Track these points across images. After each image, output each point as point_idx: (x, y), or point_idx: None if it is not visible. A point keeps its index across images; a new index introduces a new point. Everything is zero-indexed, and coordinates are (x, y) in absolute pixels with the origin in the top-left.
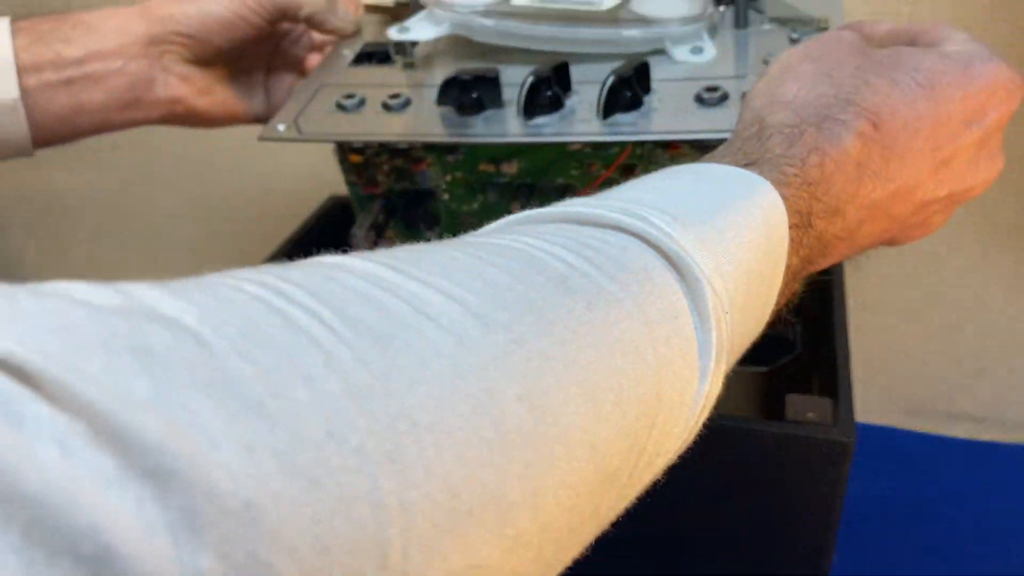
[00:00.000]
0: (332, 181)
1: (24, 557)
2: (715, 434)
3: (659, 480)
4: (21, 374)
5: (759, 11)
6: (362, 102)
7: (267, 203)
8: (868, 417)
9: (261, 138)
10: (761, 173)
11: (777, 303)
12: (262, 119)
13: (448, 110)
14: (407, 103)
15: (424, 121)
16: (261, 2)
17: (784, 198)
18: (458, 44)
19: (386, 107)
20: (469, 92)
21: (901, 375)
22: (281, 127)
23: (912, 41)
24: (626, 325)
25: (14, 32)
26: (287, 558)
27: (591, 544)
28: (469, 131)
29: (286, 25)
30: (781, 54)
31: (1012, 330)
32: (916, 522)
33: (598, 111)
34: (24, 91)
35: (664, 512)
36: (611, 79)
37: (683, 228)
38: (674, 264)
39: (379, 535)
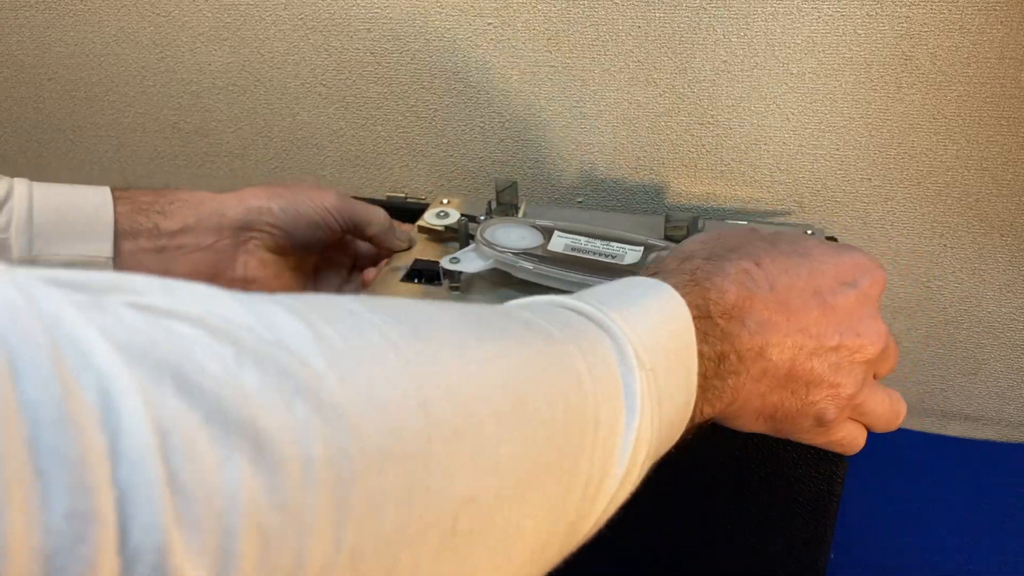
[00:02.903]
0: None
1: (205, 432)
2: (713, 433)
3: (657, 480)
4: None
5: None
6: None
7: None
8: None
9: None
10: (663, 280)
11: (717, 394)
12: None
13: None
14: None
15: None
16: (343, 213)
17: (682, 295)
18: (499, 273)
19: None
20: None
21: (896, 374)
22: None
23: None
24: (571, 359)
25: (115, 199)
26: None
27: (590, 545)
28: None
29: (348, 236)
30: None
31: (1007, 328)
32: (911, 521)
33: None
34: (118, 253)
35: (662, 511)
36: None
37: (609, 308)
38: (604, 328)
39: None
